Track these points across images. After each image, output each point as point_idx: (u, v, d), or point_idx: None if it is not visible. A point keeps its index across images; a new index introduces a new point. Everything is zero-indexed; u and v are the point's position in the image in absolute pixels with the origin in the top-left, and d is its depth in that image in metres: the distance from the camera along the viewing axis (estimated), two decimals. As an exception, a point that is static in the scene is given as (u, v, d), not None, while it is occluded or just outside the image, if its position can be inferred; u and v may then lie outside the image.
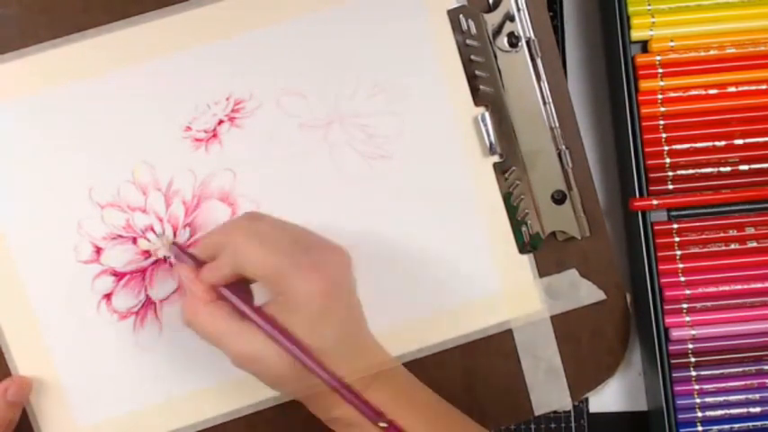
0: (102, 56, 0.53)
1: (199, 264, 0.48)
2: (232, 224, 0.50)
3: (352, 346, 0.47)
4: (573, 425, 0.60)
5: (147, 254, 0.55)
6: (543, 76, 0.55)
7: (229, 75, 0.54)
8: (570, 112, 0.56)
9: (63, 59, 0.53)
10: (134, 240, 0.55)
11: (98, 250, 0.54)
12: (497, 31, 0.55)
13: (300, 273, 0.45)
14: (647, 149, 0.55)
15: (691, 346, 0.55)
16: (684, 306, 0.55)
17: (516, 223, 0.56)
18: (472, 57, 0.55)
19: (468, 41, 0.55)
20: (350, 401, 0.45)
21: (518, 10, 0.55)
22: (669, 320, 0.55)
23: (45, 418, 0.54)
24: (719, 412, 0.55)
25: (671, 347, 0.55)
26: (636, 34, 0.55)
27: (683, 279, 0.55)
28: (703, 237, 0.55)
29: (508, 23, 0.55)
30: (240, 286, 0.47)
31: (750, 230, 0.55)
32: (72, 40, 0.53)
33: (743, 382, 0.55)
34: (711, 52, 0.55)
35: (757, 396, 0.55)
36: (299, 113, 0.55)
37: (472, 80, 0.55)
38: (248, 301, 0.47)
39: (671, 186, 0.55)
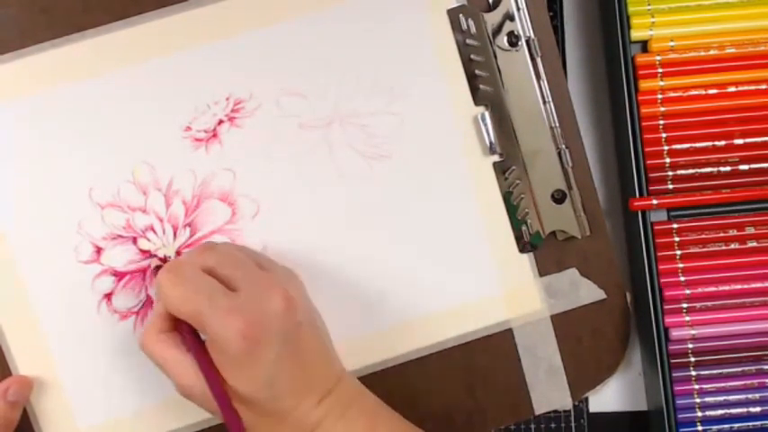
0: (102, 56, 0.53)
1: None
2: (177, 260, 0.50)
3: (286, 391, 0.46)
4: (573, 425, 0.60)
5: (147, 254, 0.55)
6: (543, 76, 0.55)
7: (229, 75, 0.54)
8: (570, 112, 0.56)
9: (63, 60, 0.53)
10: (134, 240, 0.55)
11: (98, 250, 0.54)
12: (497, 31, 0.55)
13: (218, 314, 0.44)
14: (647, 149, 0.55)
15: (690, 345, 0.55)
16: (684, 306, 0.55)
17: (516, 223, 0.56)
18: (472, 56, 0.55)
19: (467, 41, 0.55)
20: None
21: (518, 9, 0.55)
22: (669, 320, 0.55)
23: (45, 418, 0.55)
24: (719, 412, 0.55)
25: (671, 347, 0.55)
26: (636, 34, 0.55)
27: (682, 279, 0.55)
28: (703, 237, 0.55)
29: (508, 23, 0.55)
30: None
31: (750, 230, 0.55)
32: (72, 41, 0.53)
33: (743, 382, 0.55)
34: (711, 52, 0.55)
35: (757, 396, 0.55)
36: (299, 113, 0.55)
37: (472, 79, 0.55)
38: (194, 335, 0.47)
39: (671, 186, 0.55)
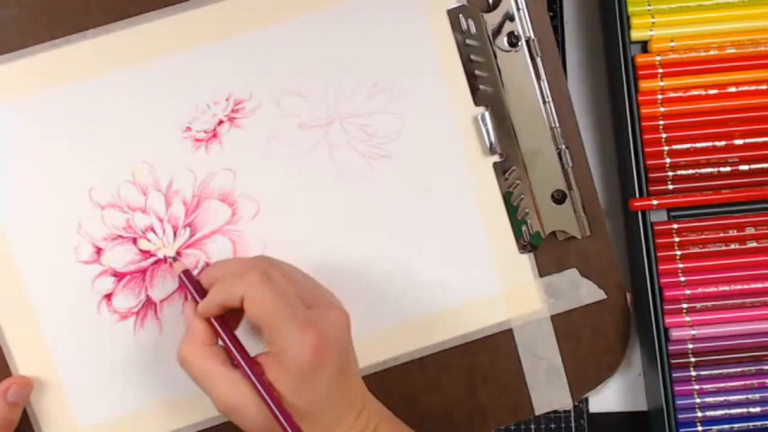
0: (101, 56, 0.53)
1: (201, 293, 0.48)
2: (250, 262, 0.50)
3: (335, 406, 0.46)
4: (573, 425, 0.60)
5: (147, 254, 0.55)
6: (543, 76, 0.55)
7: (229, 75, 0.54)
8: (570, 112, 0.56)
9: (63, 60, 0.53)
10: (134, 241, 0.55)
11: (98, 251, 0.54)
12: (497, 31, 0.55)
13: (296, 326, 0.44)
14: (647, 149, 0.55)
15: (690, 346, 0.55)
16: (684, 306, 0.55)
17: (516, 223, 0.56)
18: (472, 56, 0.55)
19: (467, 41, 0.55)
20: None
21: (518, 9, 0.55)
22: (669, 320, 0.55)
23: (45, 419, 0.54)
24: (719, 412, 0.55)
25: (671, 347, 0.55)
26: (636, 34, 0.55)
27: (682, 279, 0.55)
28: (703, 237, 0.55)
29: (508, 23, 0.55)
30: (234, 334, 0.47)
31: (750, 230, 0.55)
32: (72, 41, 0.53)
33: (743, 382, 0.55)
34: (711, 52, 0.55)
35: (757, 396, 0.55)
36: (299, 113, 0.55)
37: (472, 80, 0.55)
38: (242, 349, 0.47)
39: (671, 186, 0.55)
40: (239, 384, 0.45)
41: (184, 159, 0.54)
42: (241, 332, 0.49)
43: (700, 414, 0.55)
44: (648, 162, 0.55)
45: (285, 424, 0.45)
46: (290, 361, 0.45)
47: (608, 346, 0.57)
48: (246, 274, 0.46)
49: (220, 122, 0.55)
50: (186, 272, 0.50)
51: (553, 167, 0.56)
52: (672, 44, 0.55)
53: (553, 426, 0.60)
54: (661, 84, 0.55)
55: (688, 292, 0.55)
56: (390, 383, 0.56)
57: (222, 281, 0.47)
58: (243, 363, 0.46)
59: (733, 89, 0.55)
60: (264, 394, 0.45)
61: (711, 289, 0.55)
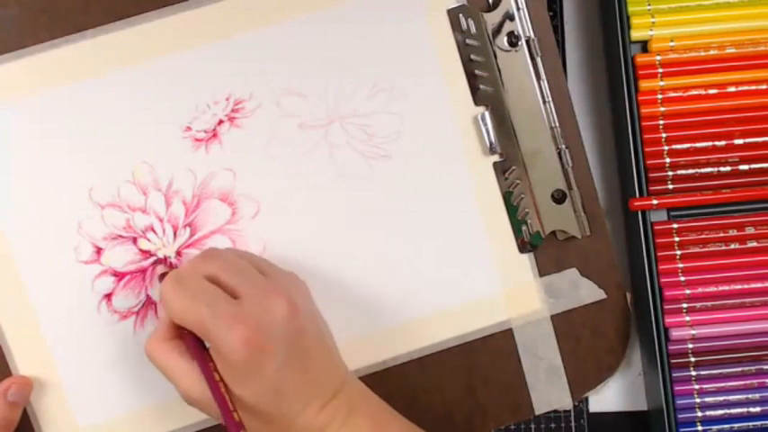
0: (101, 56, 0.53)
1: None
2: (179, 270, 0.49)
3: (291, 398, 0.46)
4: (573, 424, 0.60)
5: (147, 254, 0.55)
6: (543, 76, 0.55)
7: (229, 75, 0.54)
8: (570, 112, 0.56)
9: (62, 60, 0.53)
10: (134, 240, 0.55)
11: (98, 250, 0.54)
12: (497, 31, 0.55)
13: (221, 322, 0.44)
14: (647, 149, 0.55)
15: (690, 345, 0.55)
16: (684, 306, 0.55)
17: (516, 223, 0.56)
18: (472, 56, 0.55)
19: (467, 41, 0.55)
20: None
21: (518, 9, 0.55)
22: (669, 320, 0.55)
23: (45, 418, 0.55)
24: (719, 412, 0.55)
25: (671, 347, 0.55)
26: (636, 34, 0.55)
27: (682, 279, 0.55)
28: (703, 237, 0.55)
29: (508, 23, 0.55)
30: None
31: (750, 230, 0.55)
32: (71, 41, 0.53)
33: (743, 382, 0.55)
34: (711, 52, 0.55)
35: (757, 396, 0.55)
36: (299, 113, 0.55)
37: (472, 79, 0.55)
38: (198, 343, 0.46)
39: (671, 186, 0.55)
40: (199, 376, 0.46)
41: (184, 159, 0.54)
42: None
43: (700, 414, 0.55)
44: (648, 162, 0.55)
45: (224, 413, 0.44)
46: (227, 356, 0.44)
47: (608, 345, 0.57)
48: (162, 285, 0.47)
49: (220, 122, 0.55)
50: (163, 275, 0.51)
51: (553, 167, 0.56)
52: (672, 44, 0.55)
53: (553, 426, 0.60)
54: (661, 83, 0.55)
55: (688, 291, 0.55)
56: (390, 383, 0.55)
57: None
58: (195, 356, 0.46)
59: (733, 89, 0.55)
60: (210, 387, 0.45)
61: (711, 289, 0.55)
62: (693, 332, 0.55)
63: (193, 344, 0.46)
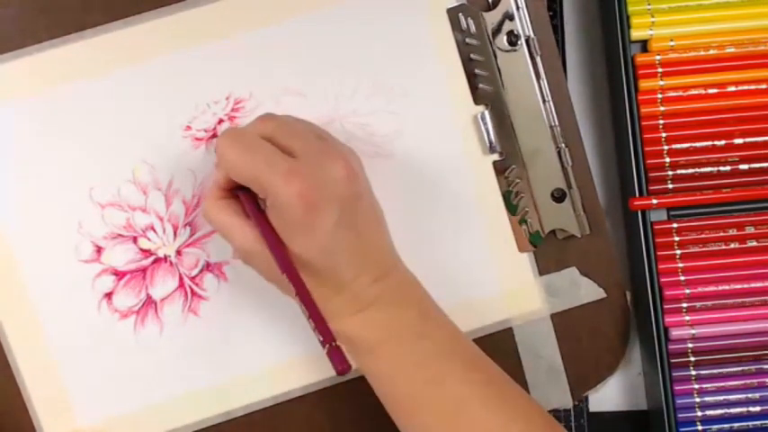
0: (101, 56, 0.53)
1: None
2: (236, 127, 0.50)
3: (344, 262, 0.46)
4: (573, 424, 0.60)
5: (147, 253, 0.55)
6: (543, 75, 0.55)
7: (229, 74, 0.54)
8: (570, 111, 0.56)
9: (62, 60, 0.53)
10: (134, 240, 0.55)
11: (99, 250, 0.54)
12: (497, 30, 0.55)
13: (277, 176, 0.44)
14: (646, 149, 0.55)
15: (690, 345, 0.55)
16: (684, 305, 0.55)
17: (516, 222, 0.56)
18: (472, 55, 0.55)
19: (467, 40, 0.55)
20: (310, 316, 0.44)
21: (517, 9, 0.55)
22: (669, 320, 0.55)
23: (46, 418, 0.55)
24: (719, 411, 0.55)
25: (671, 347, 0.55)
26: (636, 34, 0.55)
27: (682, 278, 0.55)
28: (703, 236, 0.55)
29: (508, 22, 0.55)
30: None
31: (750, 230, 0.55)
32: (71, 41, 0.53)
33: (742, 382, 0.55)
34: (711, 52, 0.55)
35: (757, 395, 0.55)
36: (299, 113, 0.55)
37: (472, 79, 0.55)
38: (253, 201, 0.47)
39: (671, 186, 0.55)
40: (252, 232, 0.46)
41: (184, 159, 0.54)
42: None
43: (699, 413, 0.55)
44: (648, 161, 0.55)
45: (283, 265, 0.45)
46: (283, 211, 0.45)
47: (608, 345, 0.57)
48: (218, 141, 0.47)
49: (220, 122, 0.55)
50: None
51: (553, 166, 0.56)
52: (672, 43, 0.55)
53: (553, 425, 0.60)
54: (661, 83, 0.55)
55: (688, 291, 0.55)
56: (390, 383, 0.55)
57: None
58: (248, 211, 0.47)
59: (733, 88, 0.55)
60: (268, 242, 0.45)
61: (711, 288, 0.55)
62: (693, 332, 0.55)
63: (248, 201, 0.47)
